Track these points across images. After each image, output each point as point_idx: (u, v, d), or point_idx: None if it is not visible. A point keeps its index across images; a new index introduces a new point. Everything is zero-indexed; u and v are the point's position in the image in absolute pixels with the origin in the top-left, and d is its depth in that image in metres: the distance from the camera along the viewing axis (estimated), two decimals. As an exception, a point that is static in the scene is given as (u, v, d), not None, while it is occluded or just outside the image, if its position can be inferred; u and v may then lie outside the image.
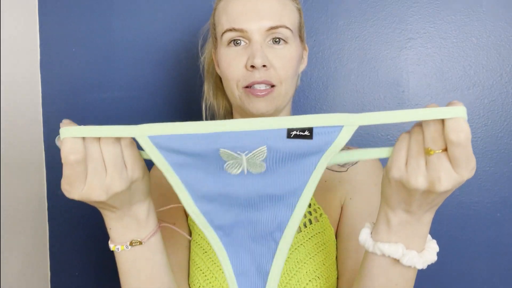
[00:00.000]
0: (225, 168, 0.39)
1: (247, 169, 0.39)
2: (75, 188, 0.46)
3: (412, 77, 1.01)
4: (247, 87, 0.62)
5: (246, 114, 0.66)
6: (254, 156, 0.37)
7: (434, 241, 0.48)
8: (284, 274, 0.59)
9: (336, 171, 0.67)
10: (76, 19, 1.08)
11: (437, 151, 0.39)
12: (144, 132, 0.38)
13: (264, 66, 0.60)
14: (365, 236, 0.48)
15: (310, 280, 0.59)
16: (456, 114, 0.37)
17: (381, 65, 1.01)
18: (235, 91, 0.64)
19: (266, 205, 0.41)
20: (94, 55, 1.08)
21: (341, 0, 1.01)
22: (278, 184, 0.39)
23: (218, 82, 0.78)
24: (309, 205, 0.64)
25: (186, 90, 1.07)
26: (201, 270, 0.62)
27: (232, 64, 0.62)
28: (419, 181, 0.40)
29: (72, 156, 0.44)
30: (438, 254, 0.44)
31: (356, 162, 0.67)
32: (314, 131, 0.37)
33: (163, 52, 1.07)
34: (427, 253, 0.46)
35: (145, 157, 0.42)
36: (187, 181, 0.40)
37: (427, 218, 0.45)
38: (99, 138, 0.43)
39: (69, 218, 1.12)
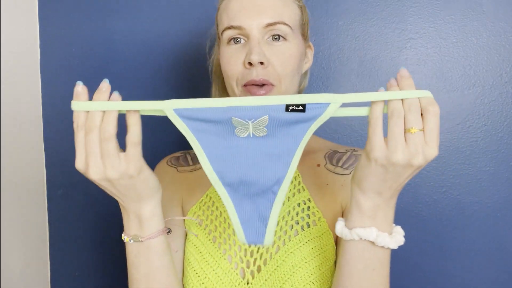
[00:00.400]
0: (235, 132, 0.49)
1: (252, 133, 0.49)
2: (77, 157, 0.51)
3: (412, 77, 1.00)
4: (245, 85, 0.62)
5: None
6: (258, 123, 0.48)
7: (399, 226, 0.55)
8: (278, 277, 0.60)
9: (339, 174, 0.67)
10: (76, 19, 1.08)
11: (417, 130, 0.47)
12: (170, 105, 0.48)
13: (261, 63, 0.60)
14: (340, 227, 0.54)
15: (304, 285, 0.60)
16: (428, 94, 0.48)
17: (381, 65, 1.01)
18: (235, 90, 0.64)
19: (266, 164, 0.50)
20: (94, 55, 1.08)
21: (341, 0, 1.01)
22: (276, 145, 0.49)
23: (223, 81, 0.77)
24: (308, 208, 0.64)
25: (186, 90, 1.07)
26: (195, 270, 0.63)
27: (231, 62, 0.62)
28: (400, 156, 0.47)
29: (74, 124, 0.50)
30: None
31: None
32: (307, 106, 0.47)
33: (163, 52, 1.07)
34: (397, 235, 0.53)
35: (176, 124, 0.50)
36: (203, 144, 0.49)
37: (393, 202, 0.53)
38: (102, 117, 0.50)
39: (69, 218, 1.12)
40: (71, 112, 1.09)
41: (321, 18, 1.02)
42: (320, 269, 0.61)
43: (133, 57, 1.07)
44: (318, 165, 0.69)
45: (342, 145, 0.75)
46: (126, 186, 0.52)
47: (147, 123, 1.08)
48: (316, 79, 1.03)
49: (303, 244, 0.62)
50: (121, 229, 1.12)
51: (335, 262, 0.64)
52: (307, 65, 0.72)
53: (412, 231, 1.02)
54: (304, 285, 0.60)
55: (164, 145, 1.06)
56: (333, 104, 0.48)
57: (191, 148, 0.57)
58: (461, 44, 0.99)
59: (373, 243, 0.53)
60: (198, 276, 0.63)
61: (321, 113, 0.48)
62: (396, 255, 1.04)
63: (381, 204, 0.52)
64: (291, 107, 0.47)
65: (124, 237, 0.56)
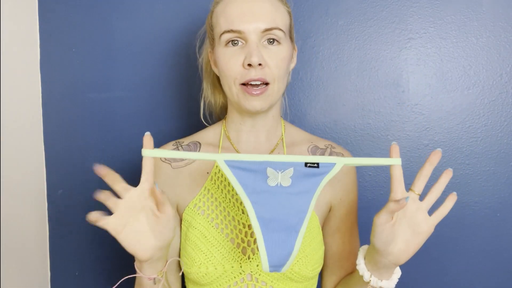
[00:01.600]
0: (267, 181, 0.62)
1: (280, 183, 0.62)
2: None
3: (412, 77, 1.01)
4: (243, 84, 0.69)
5: (242, 110, 0.74)
6: (285, 174, 0.62)
7: (398, 268, 0.70)
8: None
9: None
10: (76, 19, 1.08)
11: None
12: (222, 157, 0.61)
13: (260, 64, 0.67)
14: (362, 269, 0.69)
15: (300, 259, 0.72)
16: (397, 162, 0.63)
17: (381, 65, 1.01)
18: (232, 88, 0.70)
19: (291, 206, 0.63)
20: (94, 55, 1.08)
21: (341, 0, 1.01)
22: (298, 192, 0.63)
23: (215, 80, 0.84)
24: None
25: (186, 90, 1.07)
26: (201, 251, 0.72)
27: (230, 63, 0.69)
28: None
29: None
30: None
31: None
32: (320, 165, 0.63)
33: (162, 52, 1.07)
34: (395, 276, 0.69)
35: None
36: (240, 180, 0.62)
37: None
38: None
39: (69, 218, 1.12)
40: (71, 112, 1.10)
41: (321, 18, 1.02)
42: (310, 245, 0.74)
43: (133, 57, 1.07)
44: None
45: (318, 137, 0.84)
46: None
47: (144, 121, 1.08)
48: (316, 79, 1.03)
49: None
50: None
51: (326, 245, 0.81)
52: (293, 65, 0.79)
53: (412, 231, 1.02)
54: (299, 258, 0.72)
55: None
56: (337, 164, 0.63)
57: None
58: (461, 44, 0.99)
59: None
60: (205, 255, 0.72)
61: (330, 170, 0.63)
62: (396, 255, 1.04)
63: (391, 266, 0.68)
64: (309, 164, 0.62)
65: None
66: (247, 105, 0.70)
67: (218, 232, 0.73)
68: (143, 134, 0.59)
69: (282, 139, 0.79)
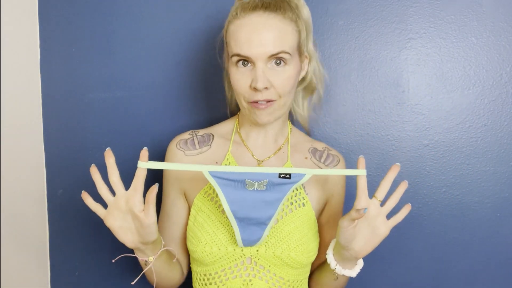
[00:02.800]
0: (246, 187, 0.74)
1: (256, 188, 0.74)
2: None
3: (412, 77, 1.01)
4: (251, 102, 0.76)
5: (251, 121, 0.83)
6: (261, 183, 0.74)
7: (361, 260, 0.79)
8: (277, 239, 0.80)
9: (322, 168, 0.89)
10: (76, 19, 1.08)
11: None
12: (207, 169, 0.72)
13: (266, 88, 0.74)
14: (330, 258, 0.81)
15: (297, 246, 0.80)
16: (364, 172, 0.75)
17: (381, 65, 1.01)
18: (243, 103, 0.79)
19: (263, 208, 0.76)
20: (94, 55, 1.08)
21: (341, 0, 1.01)
22: (271, 195, 0.75)
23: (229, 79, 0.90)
24: (299, 194, 0.85)
25: (186, 90, 1.07)
26: (207, 231, 0.81)
27: (240, 82, 0.76)
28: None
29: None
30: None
31: (338, 163, 0.89)
32: (292, 175, 0.74)
33: (163, 52, 1.07)
34: (357, 268, 0.80)
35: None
36: (225, 192, 0.74)
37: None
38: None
39: (69, 218, 1.12)
40: (71, 112, 1.10)
41: (321, 18, 1.02)
42: (306, 235, 0.82)
43: (133, 57, 1.07)
44: (306, 158, 0.87)
45: (316, 141, 0.93)
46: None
47: (144, 121, 1.08)
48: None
49: (295, 219, 0.82)
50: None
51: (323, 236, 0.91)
52: (303, 73, 0.85)
53: (412, 231, 1.02)
54: (296, 246, 0.80)
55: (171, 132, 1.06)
56: (307, 175, 0.74)
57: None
58: (461, 44, 0.99)
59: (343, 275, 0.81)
60: (210, 235, 0.80)
61: (300, 179, 0.74)
62: (396, 255, 1.04)
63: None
64: (282, 175, 0.73)
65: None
66: (256, 118, 0.78)
67: (225, 217, 0.80)
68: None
69: (288, 140, 0.87)
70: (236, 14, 0.75)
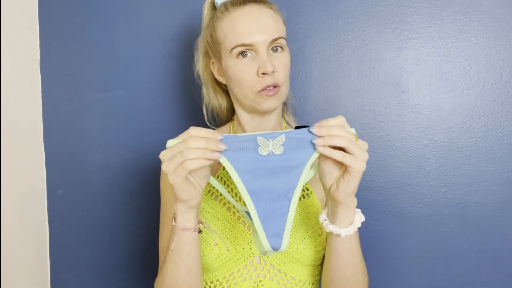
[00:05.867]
0: (258, 150, 0.63)
1: (272, 151, 0.63)
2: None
3: (412, 77, 1.01)
4: (259, 91, 0.77)
5: (256, 111, 0.81)
6: (277, 141, 0.63)
7: (359, 212, 0.68)
8: None
9: None
10: (76, 19, 1.08)
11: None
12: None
13: (273, 72, 0.76)
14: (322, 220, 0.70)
15: (304, 239, 0.78)
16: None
17: (381, 65, 1.01)
18: (249, 95, 0.78)
19: (282, 175, 0.64)
20: (94, 55, 1.08)
21: (341, 0, 1.01)
22: (290, 159, 0.63)
23: (216, 86, 0.91)
24: (304, 185, 0.82)
25: (186, 90, 1.07)
26: (215, 231, 0.79)
27: (245, 73, 0.77)
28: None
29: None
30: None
31: None
32: (309, 128, 0.62)
33: (163, 52, 1.07)
34: (354, 225, 0.67)
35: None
36: (233, 162, 0.63)
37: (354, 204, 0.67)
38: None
39: (69, 218, 1.12)
40: (71, 112, 1.10)
41: (321, 18, 1.02)
42: (313, 227, 0.80)
43: (133, 57, 1.07)
44: None
45: None
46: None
47: (144, 122, 1.08)
48: (316, 79, 1.03)
49: (302, 210, 0.81)
50: (120, 229, 1.12)
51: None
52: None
53: (412, 231, 1.02)
54: (304, 239, 0.78)
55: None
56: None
57: None
58: (461, 44, 0.99)
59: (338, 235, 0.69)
60: (218, 235, 0.78)
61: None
62: (396, 255, 1.04)
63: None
64: (298, 127, 0.63)
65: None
66: (265, 106, 0.78)
67: (230, 215, 0.80)
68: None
69: None
70: (226, 9, 0.79)
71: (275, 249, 0.64)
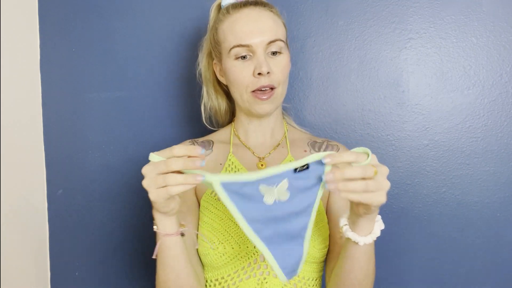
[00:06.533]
0: (264, 201, 0.60)
1: (278, 200, 0.61)
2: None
3: (412, 77, 1.01)
4: (253, 91, 0.78)
5: (252, 114, 0.83)
6: (281, 187, 0.60)
7: (379, 220, 0.67)
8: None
9: None
10: (76, 19, 1.09)
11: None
12: (219, 179, 0.59)
13: (268, 73, 0.77)
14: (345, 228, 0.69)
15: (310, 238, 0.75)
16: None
17: (381, 65, 1.01)
18: (243, 95, 0.80)
19: (294, 218, 0.63)
20: (94, 55, 1.08)
21: (341, 0, 1.01)
22: (299, 203, 0.62)
23: (217, 86, 0.92)
24: None
25: (186, 90, 1.07)
26: (218, 230, 0.79)
27: (242, 74, 0.79)
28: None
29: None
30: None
31: (338, 150, 0.85)
32: (310, 165, 0.60)
33: (163, 52, 1.07)
34: (373, 235, 0.67)
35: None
36: (240, 208, 0.60)
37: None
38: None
39: (69, 218, 1.12)
40: (71, 112, 1.10)
41: (321, 18, 1.02)
42: (316, 226, 0.80)
43: (133, 57, 1.07)
44: (305, 151, 0.87)
45: (315, 136, 0.93)
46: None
47: (144, 122, 1.08)
48: (316, 79, 1.03)
49: None
50: (120, 229, 1.12)
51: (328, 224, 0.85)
52: (289, 68, 0.88)
53: (413, 231, 1.02)
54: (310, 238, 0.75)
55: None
56: (327, 166, 0.60)
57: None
58: (461, 44, 0.99)
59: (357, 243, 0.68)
60: (222, 234, 0.78)
61: (322, 171, 0.60)
62: (396, 255, 1.04)
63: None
64: (298, 169, 0.60)
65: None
66: (257, 109, 0.80)
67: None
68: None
69: (286, 136, 0.88)
70: (228, 12, 0.81)
71: (290, 278, 0.65)
